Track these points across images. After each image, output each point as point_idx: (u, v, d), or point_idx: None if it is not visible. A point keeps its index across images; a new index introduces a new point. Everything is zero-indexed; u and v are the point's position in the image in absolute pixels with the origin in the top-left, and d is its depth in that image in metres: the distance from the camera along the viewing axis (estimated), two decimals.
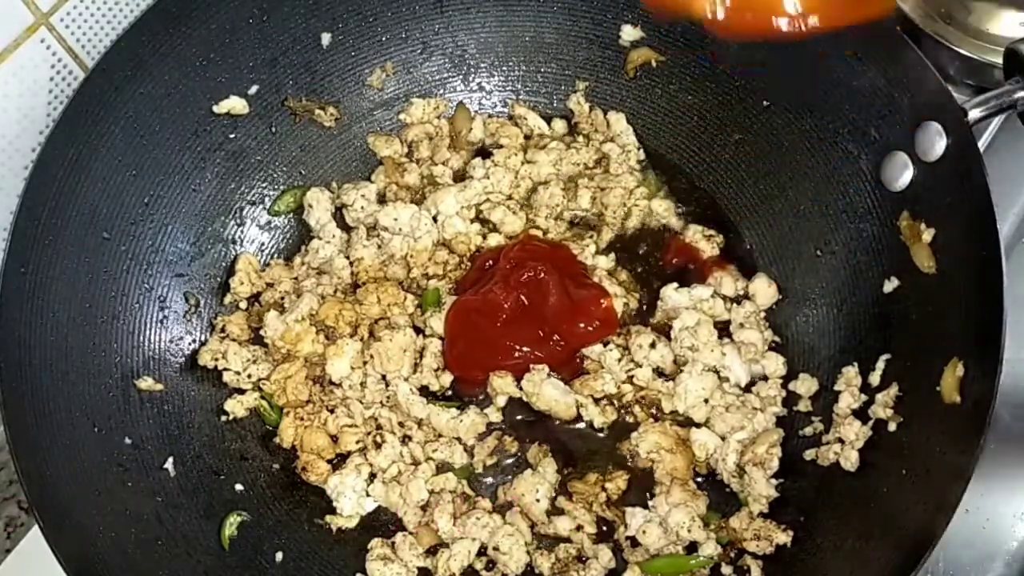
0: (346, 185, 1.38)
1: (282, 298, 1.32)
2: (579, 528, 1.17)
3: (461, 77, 1.43)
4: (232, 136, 1.32)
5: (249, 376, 1.26)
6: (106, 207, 1.20)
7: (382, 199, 1.38)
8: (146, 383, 1.21)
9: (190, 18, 1.22)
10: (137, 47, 1.19)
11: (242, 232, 1.35)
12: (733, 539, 1.14)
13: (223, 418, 1.25)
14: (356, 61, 1.38)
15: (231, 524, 1.17)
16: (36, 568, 1.05)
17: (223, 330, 1.29)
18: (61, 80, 1.24)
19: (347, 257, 1.33)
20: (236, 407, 1.25)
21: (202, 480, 1.20)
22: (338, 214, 1.38)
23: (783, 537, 1.12)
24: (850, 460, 1.12)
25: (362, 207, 1.35)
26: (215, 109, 1.29)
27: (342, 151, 1.40)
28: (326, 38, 1.34)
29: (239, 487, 1.22)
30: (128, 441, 1.16)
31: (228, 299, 1.32)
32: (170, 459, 1.19)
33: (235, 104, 1.30)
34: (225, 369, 1.26)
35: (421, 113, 1.42)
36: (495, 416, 1.24)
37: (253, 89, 1.32)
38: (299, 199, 1.37)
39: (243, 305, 1.33)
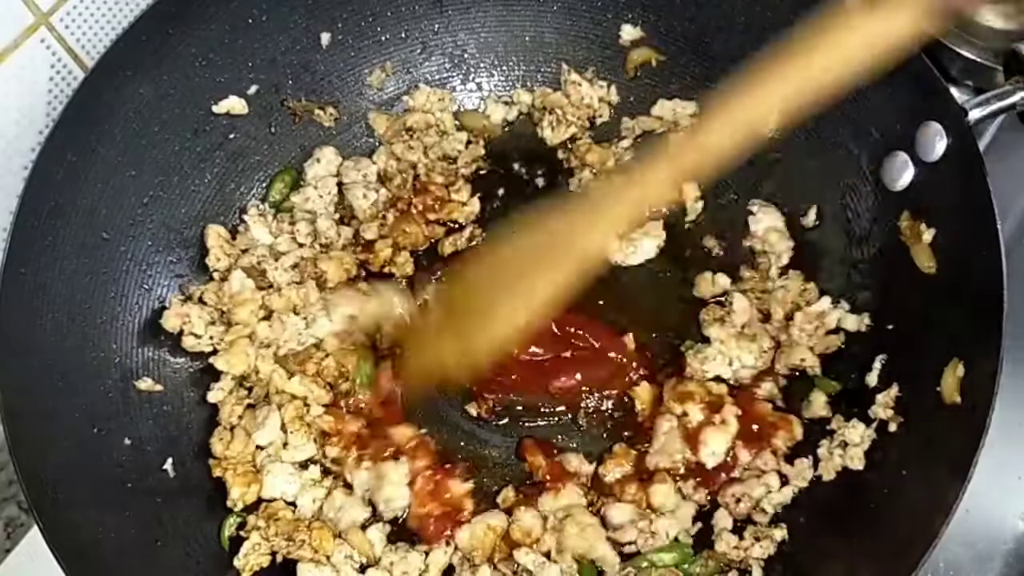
0: (346, 163, 1.37)
1: (259, 262, 1.28)
2: None
3: (461, 77, 1.43)
4: (232, 136, 1.32)
5: (211, 338, 1.23)
6: (106, 207, 1.20)
7: (381, 179, 1.36)
8: (145, 384, 1.21)
9: (190, 18, 1.22)
10: (137, 47, 1.19)
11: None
12: (729, 562, 1.11)
13: None
14: (356, 61, 1.38)
15: (231, 524, 1.17)
16: (36, 568, 1.05)
17: (191, 296, 1.26)
18: (61, 80, 1.24)
19: (338, 218, 1.33)
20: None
21: (202, 480, 1.20)
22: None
23: (779, 533, 1.12)
24: (855, 460, 1.12)
25: (363, 188, 1.34)
26: (215, 109, 1.29)
27: (341, 151, 1.40)
28: (326, 38, 1.34)
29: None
30: (128, 442, 1.16)
31: (213, 280, 1.28)
32: (170, 459, 1.19)
33: (235, 104, 1.30)
34: (191, 334, 1.23)
35: (424, 100, 1.40)
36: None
37: (253, 89, 1.31)
38: (290, 184, 1.36)
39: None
